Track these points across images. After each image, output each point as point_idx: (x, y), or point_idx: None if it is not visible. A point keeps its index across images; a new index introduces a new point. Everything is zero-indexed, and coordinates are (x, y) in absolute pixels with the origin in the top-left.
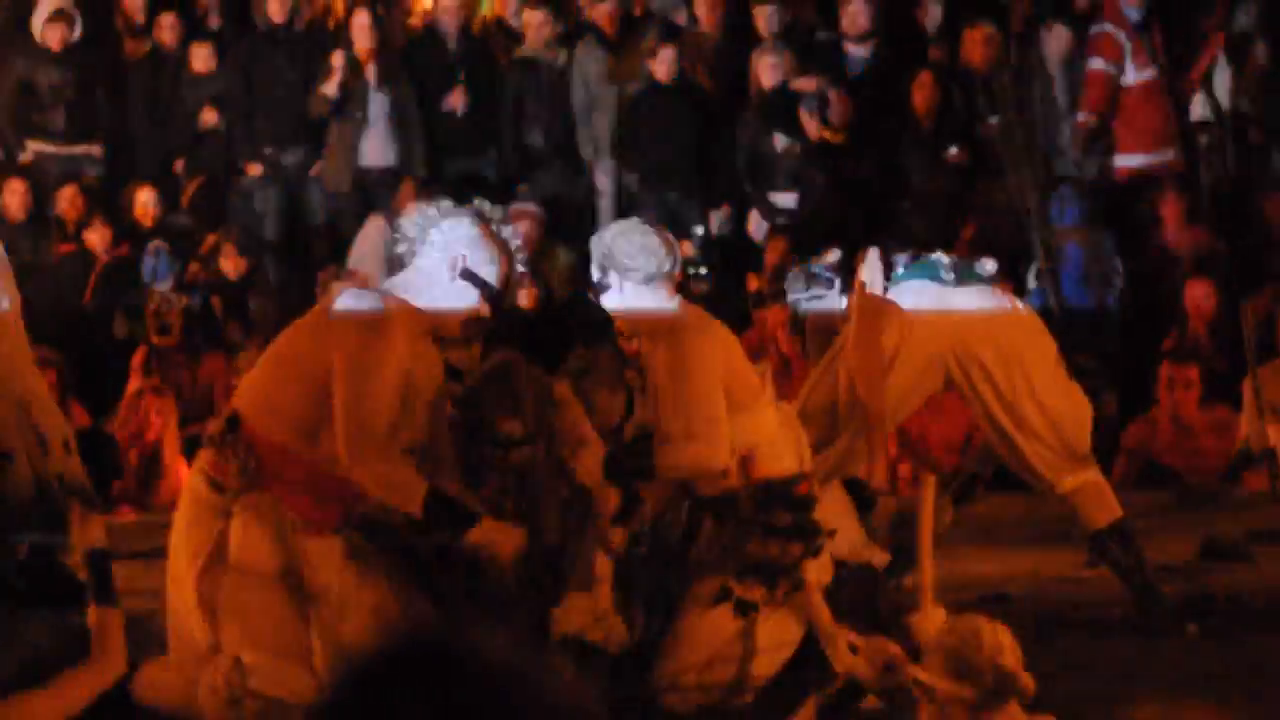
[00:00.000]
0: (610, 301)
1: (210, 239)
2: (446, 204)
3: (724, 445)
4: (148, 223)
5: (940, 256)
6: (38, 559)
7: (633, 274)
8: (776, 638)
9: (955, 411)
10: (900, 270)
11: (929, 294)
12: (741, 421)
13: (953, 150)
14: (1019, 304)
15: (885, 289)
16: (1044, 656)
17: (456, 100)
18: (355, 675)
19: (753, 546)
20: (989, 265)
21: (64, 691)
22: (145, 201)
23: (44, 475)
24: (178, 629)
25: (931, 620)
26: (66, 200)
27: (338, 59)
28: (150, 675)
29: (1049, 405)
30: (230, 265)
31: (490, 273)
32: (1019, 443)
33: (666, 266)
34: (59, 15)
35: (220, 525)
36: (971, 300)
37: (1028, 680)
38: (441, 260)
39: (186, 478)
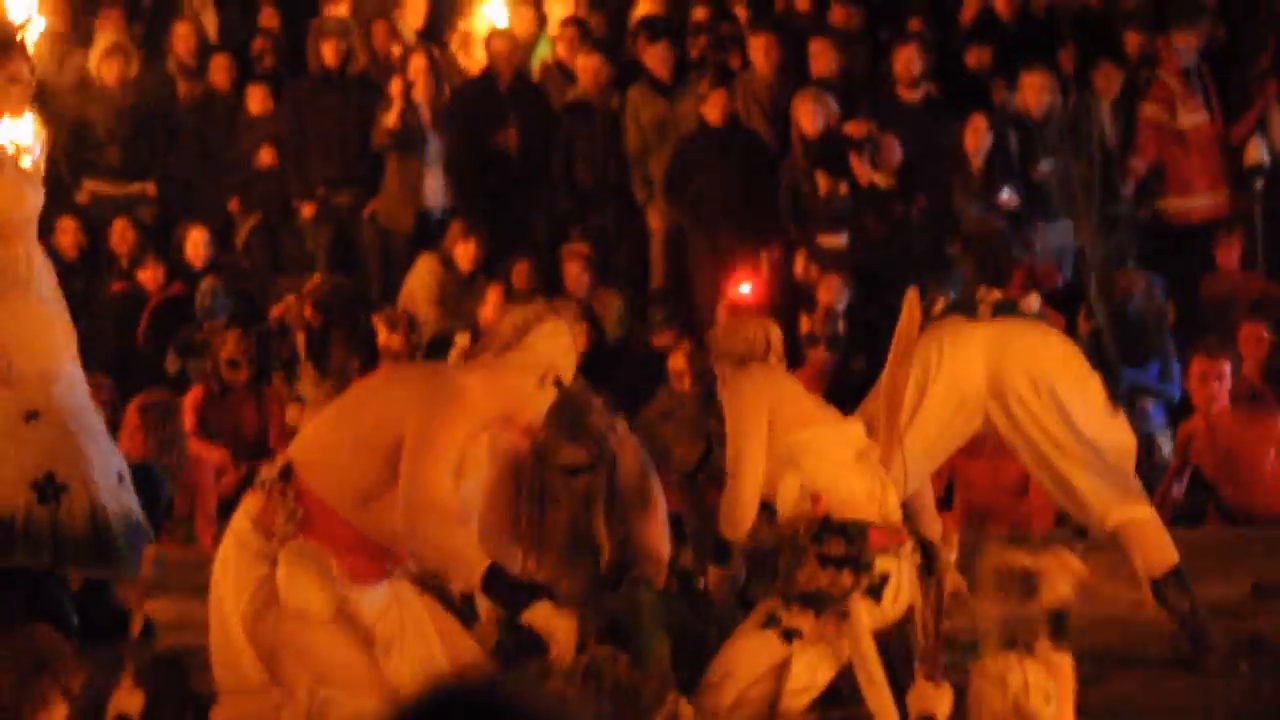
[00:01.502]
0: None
1: (313, 282)
2: (544, 307)
3: (751, 480)
4: (198, 263)
5: (980, 292)
6: (91, 593)
7: (725, 358)
8: (808, 678)
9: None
10: (937, 311)
11: (962, 331)
12: (791, 444)
13: (1005, 194)
14: (1057, 334)
15: (923, 327)
16: (1096, 695)
17: (507, 140)
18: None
19: (803, 575)
20: (1033, 302)
21: None
22: (196, 241)
23: (100, 508)
24: (227, 667)
25: (928, 698)
26: (118, 234)
27: (396, 87)
28: (224, 714)
29: (1088, 435)
30: (310, 315)
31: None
32: (1064, 471)
33: (758, 349)
34: (116, 50)
35: (263, 571)
36: (1005, 333)
37: None
38: (533, 365)
39: (232, 518)
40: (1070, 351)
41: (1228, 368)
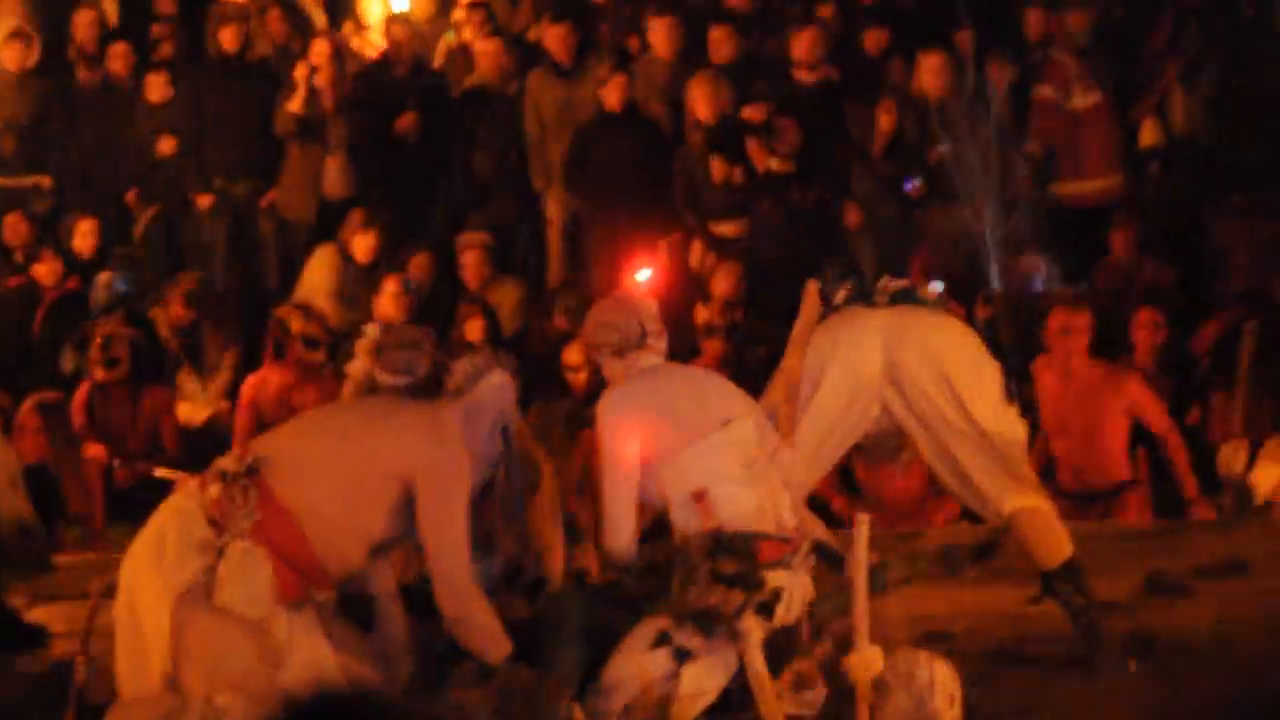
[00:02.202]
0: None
1: (177, 286)
2: (492, 355)
3: (624, 516)
4: (87, 253)
5: (881, 283)
6: None
7: (602, 349)
8: (699, 684)
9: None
10: (837, 301)
11: (859, 317)
12: (679, 465)
13: (917, 181)
14: (956, 321)
15: (823, 318)
16: (988, 694)
17: (404, 125)
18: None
19: (695, 593)
20: (933, 287)
21: None
22: (85, 231)
23: None
24: (131, 663)
25: (868, 661)
26: (10, 228)
27: (301, 72)
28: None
29: (981, 423)
30: (180, 313)
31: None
32: (960, 458)
33: (632, 336)
34: (16, 36)
35: (208, 562)
36: (902, 318)
37: None
38: (486, 412)
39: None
40: (969, 338)
41: (1088, 322)
